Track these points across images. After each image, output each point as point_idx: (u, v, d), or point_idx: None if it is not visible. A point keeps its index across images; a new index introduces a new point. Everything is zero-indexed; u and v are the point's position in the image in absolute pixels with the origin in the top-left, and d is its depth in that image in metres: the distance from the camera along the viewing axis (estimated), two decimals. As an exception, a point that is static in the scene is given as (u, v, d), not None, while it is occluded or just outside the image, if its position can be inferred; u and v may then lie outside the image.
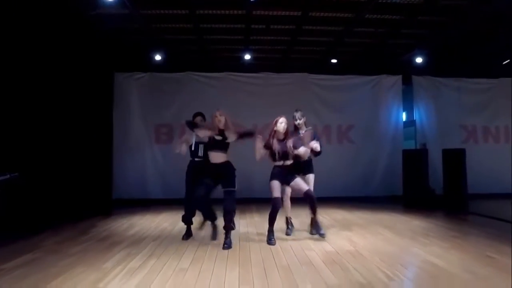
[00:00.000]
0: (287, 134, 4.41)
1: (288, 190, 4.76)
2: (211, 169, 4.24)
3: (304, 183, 4.47)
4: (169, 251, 3.96)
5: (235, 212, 4.28)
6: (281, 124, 4.38)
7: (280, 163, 4.38)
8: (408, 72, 8.87)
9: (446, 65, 8.62)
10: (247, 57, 7.41)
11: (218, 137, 4.23)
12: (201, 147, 4.59)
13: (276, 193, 4.33)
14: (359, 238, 4.52)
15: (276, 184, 4.34)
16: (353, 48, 7.79)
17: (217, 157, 4.25)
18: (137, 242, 4.36)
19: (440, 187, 7.63)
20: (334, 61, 7.81)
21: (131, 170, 8.27)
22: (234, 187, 4.24)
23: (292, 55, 8.07)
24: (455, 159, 7.28)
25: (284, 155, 4.36)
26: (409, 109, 9.28)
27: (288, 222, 4.91)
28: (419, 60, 7.64)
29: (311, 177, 4.81)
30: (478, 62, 8.48)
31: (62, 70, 7.13)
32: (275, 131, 4.39)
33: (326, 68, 8.72)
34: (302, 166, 4.70)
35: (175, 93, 8.41)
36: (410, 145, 9.00)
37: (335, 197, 7.91)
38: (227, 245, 4.10)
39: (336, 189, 8.27)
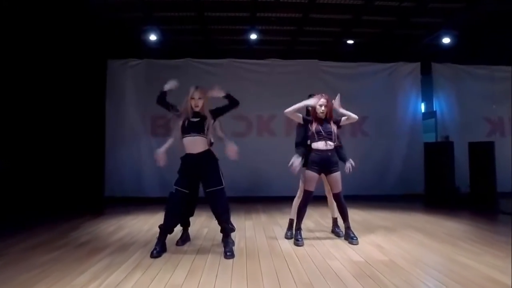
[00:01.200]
0: (328, 115, 3.81)
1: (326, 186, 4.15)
2: (188, 162, 3.42)
3: (339, 181, 3.85)
4: (160, 261, 3.23)
5: (229, 213, 3.53)
6: (321, 106, 3.76)
7: (321, 145, 3.73)
8: (427, 59, 8.16)
9: (469, 51, 7.85)
10: (253, 36, 6.64)
11: (194, 119, 3.40)
12: None
13: (312, 185, 3.73)
14: (389, 244, 3.78)
15: (313, 176, 3.74)
16: (369, 30, 7.03)
17: (194, 144, 3.39)
18: (123, 248, 3.64)
19: (465, 184, 6.91)
20: (350, 42, 7.03)
21: (125, 165, 7.57)
22: (222, 184, 3.42)
23: (301, 37, 7.30)
24: (483, 153, 6.55)
25: (328, 135, 3.73)
26: (428, 99, 8.54)
27: (335, 223, 4.33)
28: (446, 40, 6.84)
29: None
30: (506, 47, 7.70)
31: (51, 56, 6.55)
32: (314, 110, 3.79)
33: (338, 54, 8.01)
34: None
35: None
36: (430, 138, 8.27)
37: (347, 195, 7.14)
38: (230, 253, 3.35)
39: (349, 186, 7.42)
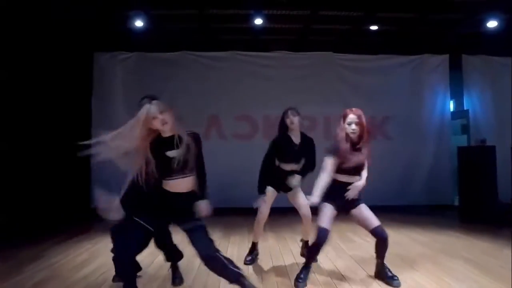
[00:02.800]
0: (362, 139, 2.87)
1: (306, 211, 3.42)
2: (168, 202, 2.46)
3: (371, 212, 2.96)
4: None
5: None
6: (350, 125, 2.85)
7: (346, 178, 2.90)
8: (457, 51, 7.18)
9: (508, 40, 6.82)
10: (258, 22, 5.68)
11: (173, 153, 2.38)
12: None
13: (326, 222, 2.85)
14: (434, 283, 2.85)
15: (329, 210, 2.88)
16: (396, 15, 6.03)
17: (180, 184, 2.44)
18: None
19: (507, 197, 5.94)
20: (374, 28, 6.05)
21: (114, 172, 6.67)
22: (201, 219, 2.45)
23: (315, 25, 6.33)
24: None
25: (357, 168, 2.90)
26: (458, 96, 7.54)
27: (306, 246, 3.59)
28: (493, 24, 5.81)
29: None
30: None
31: (30, 48, 5.70)
32: (346, 133, 2.88)
33: (357, 45, 7.07)
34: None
35: (169, 78, 6.85)
36: (460, 141, 7.29)
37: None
38: None
39: (368, 196, 6.60)
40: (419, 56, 7.25)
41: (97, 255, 3.79)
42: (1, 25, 5.02)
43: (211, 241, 2.40)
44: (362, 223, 2.96)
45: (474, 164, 5.86)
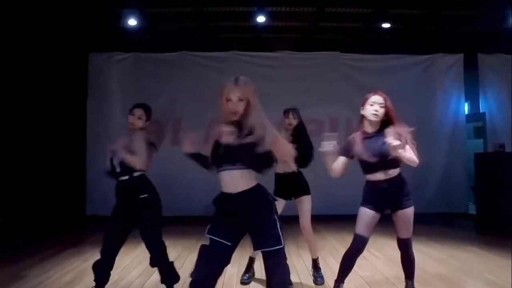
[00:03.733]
0: (386, 125, 2.49)
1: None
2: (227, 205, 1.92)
3: (409, 221, 2.54)
4: None
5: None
6: (373, 106, 2.46)
7: (376, 176, 2.47)
8: (472, 50, 6.82)
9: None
10: (261, 19, 5.37)
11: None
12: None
13: (363, 229, 2.49)
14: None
15: (366, 215, 2.49)
16: (408, 11, 5.68)
17: (236, 180, 1.88)
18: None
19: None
20: (386, 25, 5.70)
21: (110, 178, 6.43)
22: (281, 242, 1.86)
23: (321, 22, 6.01)
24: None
25: (383, 160, 2.41)
26: (473, 98, 7.18)
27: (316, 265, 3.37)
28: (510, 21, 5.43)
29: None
30: None
31: (25, 48, 5.52)
32: (362, 118, 2.54)
33: (365, 44, 6.75)
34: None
35: (167, 79, 6.63)
36: (476, 145, 6.93)
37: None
38: None
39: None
40: (431, 56, 6.93)
41: (83, 274, 3.48)
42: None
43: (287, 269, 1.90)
44: (402, 228, 2.55)
45: (492, 171, 5.48)
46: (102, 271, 2.71)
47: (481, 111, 7.01)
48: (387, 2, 5.14)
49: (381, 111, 2.43)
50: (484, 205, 5.59)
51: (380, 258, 4.06)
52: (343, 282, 2.59)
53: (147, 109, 2.83)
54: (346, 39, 6.71)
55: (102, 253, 2.71)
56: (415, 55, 6.91)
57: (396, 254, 2.72)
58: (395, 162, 2.43)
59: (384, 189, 2.45)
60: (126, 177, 2.66)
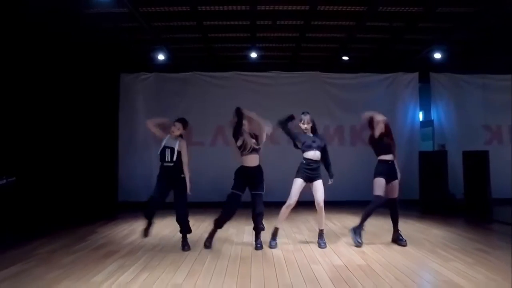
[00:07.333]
0: (387, 130, 4.56)
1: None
2: (247, 172, 4.33)
3: (396, 187, 4.47)
4: (165, 263, 3.71)
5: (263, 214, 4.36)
6: (379, 124, 4.50)
7: (388, 157, 4.45)
8: (425, 69, 8.42)
9: (468, 61, 8.06)
10: (253, 55, 7.09)
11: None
12: (168, 151, 4.20)
13: (381, 191, 4.33)
14: (372, 250, 4.16)
15: (382, 182, 4.35)
16: (367, 44, 7.34)
17: (253, 160, 4.33)
18: (133, 251, 4.14)
19: (460, 192, 7.18)
20: (345, 58, 7.39)
21: (137, 172, 8.10)
22: (263, 190, 4.33)
23: (301, 52, 7.70)
24: (477, 162, 6.80)
25: (390, 148, 4.49)
26: (426, 108, 8.83)
27: (321, 234, 4.47)
28: (437, 56, 7.11)
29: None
30: (506, 56, 7.86)
31: (67, 71, 7.04)
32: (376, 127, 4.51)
33: (339, 66, 8.34)
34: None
35: (181, 94, 8.24)
36: (428, 146, 8.54)
37: (346, 201, 7.58)
38: (260, 245, 4.27)
39: (347, 192, 7.88)
40: (393, 74, 8.48)
41: (134, 232, 5.19)
42: (45, 49, 6.26)
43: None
44: (390, 192, 4.39)
45: (431, 166, 7.13)
46: (152, 212, 4.24)
47: (432, 119, 8.64)
48: (356, 29, 6.37)
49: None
50: (427, 191, 7.19)
51: (336, 225, 5.72)
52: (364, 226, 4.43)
53: (184, 122, 4.38)
54: (324, 63, 8.30)
55: (151, 201, 4.23)
56: (380, 73, 8.46)
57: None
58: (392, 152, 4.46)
59: (390, 165, 4.33)
60: (171, 164, 4.26)
